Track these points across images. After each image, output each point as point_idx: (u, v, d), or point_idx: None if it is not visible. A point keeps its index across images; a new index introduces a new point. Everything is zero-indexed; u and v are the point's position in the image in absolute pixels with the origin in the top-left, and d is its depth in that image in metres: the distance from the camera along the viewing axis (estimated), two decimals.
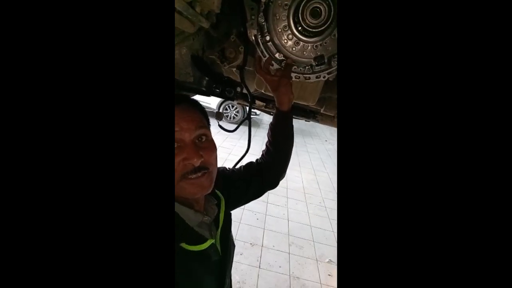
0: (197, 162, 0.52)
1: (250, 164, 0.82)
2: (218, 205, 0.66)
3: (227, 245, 0.65)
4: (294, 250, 2.73)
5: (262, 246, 2.70)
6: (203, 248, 0.57)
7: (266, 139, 0.85)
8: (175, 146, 0.53)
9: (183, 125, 0.53)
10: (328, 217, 3.46)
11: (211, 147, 0.57)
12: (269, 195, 3.55)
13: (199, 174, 0.53)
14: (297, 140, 6.52)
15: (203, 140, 0.56)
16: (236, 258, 2.42)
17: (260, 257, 2.54)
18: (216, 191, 0.69)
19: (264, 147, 0.85)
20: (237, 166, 0.82)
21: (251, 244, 2.69)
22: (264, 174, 0.81)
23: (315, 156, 5.80)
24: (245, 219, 3.02)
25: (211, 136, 0.59)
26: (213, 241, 0.59)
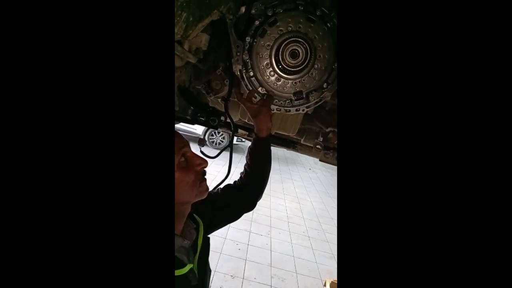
0: (207, 165, 0.62)
1: (227, 186, 0.83)
2: (197, 229, 0.66)
3: (205, 270, 0.65)
4: (276, 283, 2.63)
5: (243, 278, 2.58)
6: (182, 273, 0.56)
7: None
8: (184, 158, 0.59)
9: (183, 141, 0.60)
10: (311, 247, 3.40)
11: None
12: (252, 224, 3.47)
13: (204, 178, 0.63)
14: (281, 167, 6.58)
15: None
16: None
17: None
18: (194, 215, 0.69)
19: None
20: (215, 190, 0.83)
21: (231, 276, 2.56)
22: (241, 197, 0.82)
23: (299, 184, 5.83)
24: (226, 250, 2.90)
25: None
26: (191, 266, 0.59)
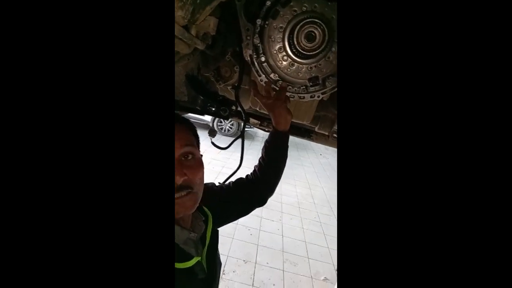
0: (179, 180, 0.51)
1: (239, 180, 0.81)
2: (206, 222, 0.65)
3: (214, 263, 0.64)
4: (288, 267, 2.67)
5: (256, 263, 2.63)
6: (189, 266, 0.55)
7: (259, 153, 0.84)
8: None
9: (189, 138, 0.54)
10: (323, 232, 3.41)
11: (197, 166, 0.56)
12: (263, 210, 3.50)
13: (183, 193, 0.52)
14: (291, 153, 6.54)
15: (189, 158, 0.55)
16: (228, 275, 2.36)
17: (254, 275, 2.47)
18: (204, 207, 0.68)
19: (257, 162, 0.85)
20: (227, 182, 0.81)
21: (244, 261, 2.62)
22: (253, 191, 0.80)
23: (310, 170, 5.80)
24: (238, 235, 2.95)
25: (198, 155, 0.58)
26: (199, 258, 0.58)
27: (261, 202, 0.84)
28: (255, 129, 6.89)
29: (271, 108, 0.77)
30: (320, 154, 7.34)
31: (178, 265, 0.54)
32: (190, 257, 0.56)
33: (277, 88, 0.76)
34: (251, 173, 0.83)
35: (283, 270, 2.62)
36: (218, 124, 6.17)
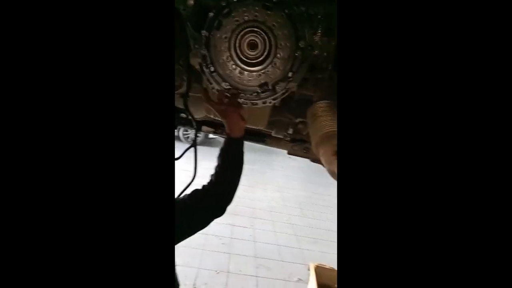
0: None
1: (194, 191, 0.78)
2: None
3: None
4: (261, 273, 2.67)
5: (228, 272, 2.59)
6: None
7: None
8: None
9: None
10: (294, 234, 3.47)
11: None
12: (235, 217, 3.47)
13: None
14: (261, 158, 6.59)
15: None
16: None
17: (226, 285, 2.43)
18: None
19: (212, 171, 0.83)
20: (181, 196, 0.78)
21: (216, 271, 2.56)
22: (209, 201, 0.78)
23: (280, 173, 5.89)
24: (209, 246, 2.87)
25: None
26: None
27: (219, 211, 0.81)
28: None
29: (224, 115, 0.78)
30: (290, 157, 7.50)
31: None
32: None
33: (229, 96, 0.77)
34: (207, 183, 0.81)
35: (257, 276, 2.60)
36: (184, 133, 5.99)
